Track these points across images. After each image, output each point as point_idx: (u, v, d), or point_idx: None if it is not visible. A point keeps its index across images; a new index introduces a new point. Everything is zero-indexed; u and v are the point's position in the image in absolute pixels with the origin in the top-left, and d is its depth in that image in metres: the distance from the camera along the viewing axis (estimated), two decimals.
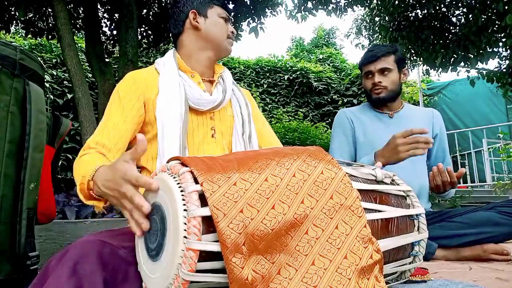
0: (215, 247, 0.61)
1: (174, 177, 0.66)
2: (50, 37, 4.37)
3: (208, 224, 0.62)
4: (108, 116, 1.08)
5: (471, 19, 4.67)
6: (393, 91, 1.79)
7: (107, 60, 3.91)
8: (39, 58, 1.79)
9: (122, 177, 0.71)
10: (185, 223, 0.60)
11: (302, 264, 0.65)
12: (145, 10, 4.44)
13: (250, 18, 4.43)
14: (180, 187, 0.64)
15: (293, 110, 7.48)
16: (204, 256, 0.61)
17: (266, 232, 0.63)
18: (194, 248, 0.59)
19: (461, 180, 5.69)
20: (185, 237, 0.59)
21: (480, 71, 5.21)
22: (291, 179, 0.69)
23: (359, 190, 0.76)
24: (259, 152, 0.76)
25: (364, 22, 6.22)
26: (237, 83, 1.32)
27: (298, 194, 0.68)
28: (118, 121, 1.07)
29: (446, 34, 5.08)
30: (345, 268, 0.67)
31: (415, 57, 5.45)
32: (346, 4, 5.23)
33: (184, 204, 0.61)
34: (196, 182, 0.65)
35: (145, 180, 0.68)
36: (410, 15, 5.33)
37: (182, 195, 0.62)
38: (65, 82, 5.12)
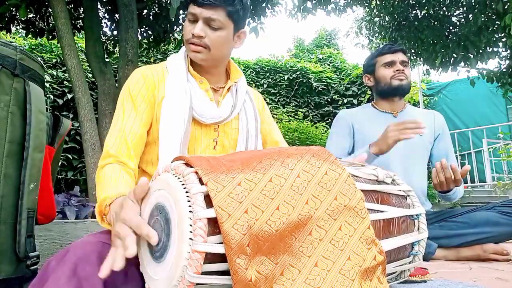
0: (220, 249, 0.60)
1: (179, 178, 0.65)
2: (50, 37, 4.37)
3: (214, 226, 0.61)
4: (123, 119, 1.04)
5: (471, 19, 4.67)
6: (410, 84, 1.83)
7: (107, 60, 3.90)
8: (39, 58, 1.79)
9: (122, 219, 0.68)
10: (190, 225, 0.60)
11: (305, 265, 0.65)
12: (145, 10, 4.43)
13: (250, 18, 4.43)
14: (184, 188, 0.63)
15: (293, 110, 7.47)
16: (209, 258, 0.61)
17: (271, 233, 0.63)
18: (200, 250, 0.59)
19: None
20: (190, 238, 0.59)
21: (480, 71, 5.21)
22: (295, 180, 0.69)
23: (361, 190, 0.76)
24: (263, 152, 0.75)
25: (364, 21, 6.22)
26: None
27: (302, 195, 0.68)
28: (134, 125, 1.03)
29: (446, 34, 5.08)
30: (348, 270, 0.66)
31: (415, 57, 5.44)
32: (345, 4, 5.23)
33: (190, 206, 0.61)
34: (201, 183, 0.64)
35: (146, 232, 0.64)
36: (410, 15, 5.33)
37: (187, 196, 0.62)
38: (65, 82, 5.12)
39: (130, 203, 0.71)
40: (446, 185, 1.52)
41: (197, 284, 0.61)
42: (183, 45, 1.14)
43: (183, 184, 0.64)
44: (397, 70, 1.78)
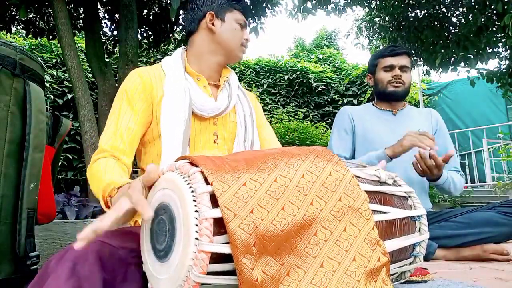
0: (226, 249, 0.60)
1: (184, 177, 0.65)
2: (50, 37, 4.37)
3: (219, 226, 0.61)
4: (119, 116, 1.06)
5: (470, 19, 4.67)
6: (407, 90, 1.84)
7: (107, 60, 3.90)
8: (39, 58, 1.79)
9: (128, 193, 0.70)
10: (196, 225, 0.59)
11: (311, 266, 0.65)
12: (145, 11, 4.44)
13: (250, 18, 4.43)
14: (190, 187, 0.63)
15: (293, 110, 7.47)
16: (215, 257, 0.60)
17: (276, 233, 0.63)
18: (206, 250, 0.58)
19: None
20: (196, 238, 0.59)
21: (480, 71, 5.21)
22: (300, 181, 0.69)
23: (365, 191, 0.76)
24: (267, 152, 0.75)
25: (364, 22, 6.22)
26: None
27: (307, 195, 0.68)
28: (129, 122, 1.05)
29: (446, 34, 5.08)
30: (354, 270, 0.66)
31: (415, 57, 5.44)
32: (345, 4, 5.23)
33: (196, 205, 0.61)
34: (206, 182, 0.64)
35: (142, 205, 0.65)
36: (409, 15, 5.33)
37: (193, 195, 0.62)
38: (65, 82, 5.12)
39: (137, 181, 0.72)
40: (430, 172, 1.56)
41: (203, 284, 0.60)
42: (182, 45, 1.17)
43: (188, 184, 0.63)
44: (394, 76, 1.80)
